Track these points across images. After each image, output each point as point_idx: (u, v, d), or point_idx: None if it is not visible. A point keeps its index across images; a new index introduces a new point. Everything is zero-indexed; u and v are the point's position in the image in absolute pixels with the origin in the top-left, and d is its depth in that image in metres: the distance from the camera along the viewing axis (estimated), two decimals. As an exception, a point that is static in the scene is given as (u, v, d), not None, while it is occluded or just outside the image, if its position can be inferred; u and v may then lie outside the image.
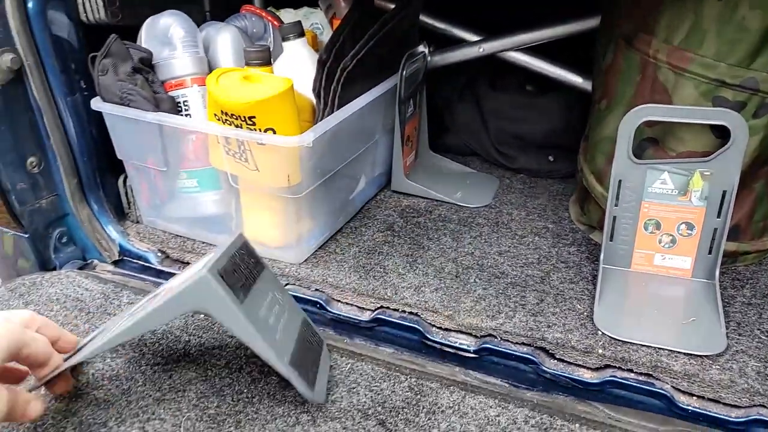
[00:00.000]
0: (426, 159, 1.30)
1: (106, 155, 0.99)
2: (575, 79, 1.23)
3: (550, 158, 1.27)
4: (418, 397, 0.66)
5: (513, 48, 1.26)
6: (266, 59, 0.87)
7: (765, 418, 0.65)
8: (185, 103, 0.91)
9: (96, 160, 0.99)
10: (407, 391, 0.67)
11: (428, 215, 1.09)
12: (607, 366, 0.73)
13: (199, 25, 0.95)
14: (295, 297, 0.88)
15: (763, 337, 0.76)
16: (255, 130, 0.80)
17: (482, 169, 1.29)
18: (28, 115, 0.91)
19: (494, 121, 1.31)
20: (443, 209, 1.12)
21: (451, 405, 0.65)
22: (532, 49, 1.25)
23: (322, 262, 0.94)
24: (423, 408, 0.64)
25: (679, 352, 0.73)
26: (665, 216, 0.84)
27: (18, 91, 0.89)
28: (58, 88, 0.91)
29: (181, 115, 0.91)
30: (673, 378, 0.70)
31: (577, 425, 0.62)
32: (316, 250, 0.97)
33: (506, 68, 1.30)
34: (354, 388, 0.67)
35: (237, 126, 0.81)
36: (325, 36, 1.21)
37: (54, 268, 0.98)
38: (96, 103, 0.91)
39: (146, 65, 0.90)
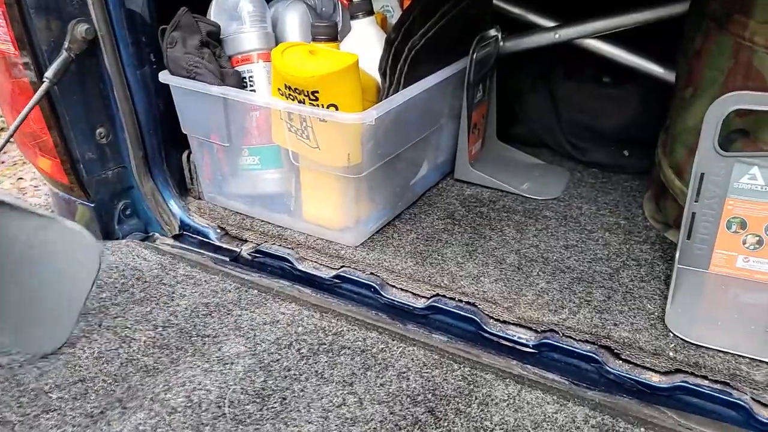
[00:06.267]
0: (493, 148, 1.26)
1: (171, 130, 1.00)
2: (656, 69, 1.15)
3: (625, 153, 1.21)
4: (471, 387, 0.63)
5: (591, 35, 1.19)
6: (333, 35, 0.86)
7: None
8: (251, 79, 0.91)
9: (161, 133, 1.00)
10: (460, 380, 0.64)
11: (492, 205, 1.05)
12: (679, 371, 0.68)
13: (268, 1, 0.95)
14: (350, 280, 0.87)
15: None
16: (318, 106, 0.78)
17: (552, 162, 1.23)
18: (99, 86, 0.93)
19: (567, 112, 1.25)
20: (508, 200, 1.07)
21: (506, 398, 0.61)
22: (611, 37, 1.19)
23: (379, 246, 0.92)
24: (476, 399, 0.61)
25: (762, 362, 0.67)
26: (752, 214, 0.77)
27: (91, 62, 0.91)
28: (128, 60, 0.92)
29: (246, 90, 0.90)
30: (754, 389, 0.64)
31: (642, 429, 0.57)
32: (373, 234, 0.95)
33: (582, 58, 1.24)
34: (404, 373, 0.64)
35: (300, 101, 0.79)
36: (396, 19, 1.19)
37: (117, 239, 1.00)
38: (163, 76, 0.92)
39: (214, 39, 0.90)
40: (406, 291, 0.84)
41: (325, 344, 0.68)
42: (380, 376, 0.64)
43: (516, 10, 1.27)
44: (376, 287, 0.85)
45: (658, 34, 1.14)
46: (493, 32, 1.14)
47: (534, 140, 1.31)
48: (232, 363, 0.65)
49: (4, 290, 0.55)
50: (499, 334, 0.77)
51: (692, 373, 0.67)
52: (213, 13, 0.92)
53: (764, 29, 0.73)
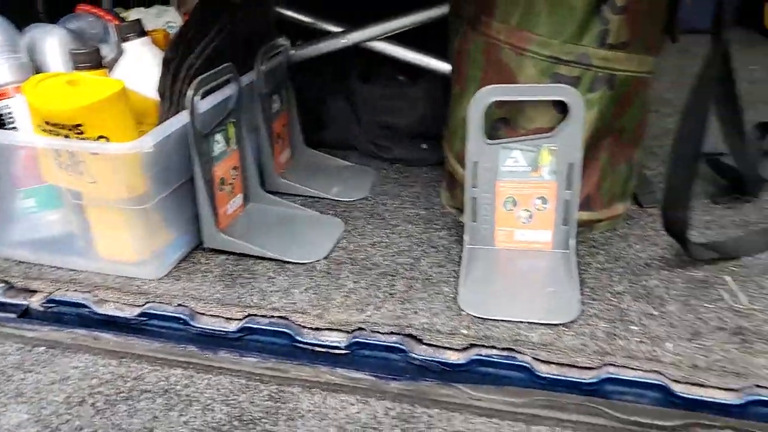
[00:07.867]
0: (302, 156, 1.27)
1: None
2: (442, 66, 1.24)
3: (423, 146, 1.28)
4: (279, 405, 0.63)
5: (376, 38, 1.25)
6: (95, 61, 0.81)
7: (614, 376, 0.67)
8: (10, 115, 0.83)
9: None
10: (267, 400, 0.64)
11: (302, 213, 1.06)
12: (472, 345, 0.74)
13: (21, 28, 0.87)
14: (156, 315, 0.83)
15: (613, 300, 0.79)
16: (85, 139, 0.74)
17: (360, 162, 1.27)
18: None
19: (366, 113, 1.30)
20: (320, 206, 1.09)
21: (311, 408, 0.62)
22: (399, 39, 1.25)
23: (185, 274, 0.89)
24: (282, 416, 0.62)
25: (537, 324, 0.74)
26: (520, 193, 0.86)
27: None
28: None
29: (7, 128, 0.83)
30: (533, 349, 0.71)
31: (435, 410, 0.62)
32: (179, 262, 0.92)
33: (377, 59, 1.30)
34: (210, 405, 0.63)
35: (65, 136, 0.74)
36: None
37: None
38: None
39: (-40, 77, 0.81)
40: (218, 317, 0.83)
41: (123, 392, 0.65)
42: (184, 413, 0.62)
43: (307, 19, 1.30)
44: (186, 318, 0.82)
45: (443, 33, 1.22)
46: (281, 41, 1.15)
47: (342, 144, 1.34)
48: (11, 435, 0.59)
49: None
50: (312, 342, 0.78)
51: (483, 345, 0.73)
52: (-44, 48, 0.83)
53: (505, 28, 0.81)
